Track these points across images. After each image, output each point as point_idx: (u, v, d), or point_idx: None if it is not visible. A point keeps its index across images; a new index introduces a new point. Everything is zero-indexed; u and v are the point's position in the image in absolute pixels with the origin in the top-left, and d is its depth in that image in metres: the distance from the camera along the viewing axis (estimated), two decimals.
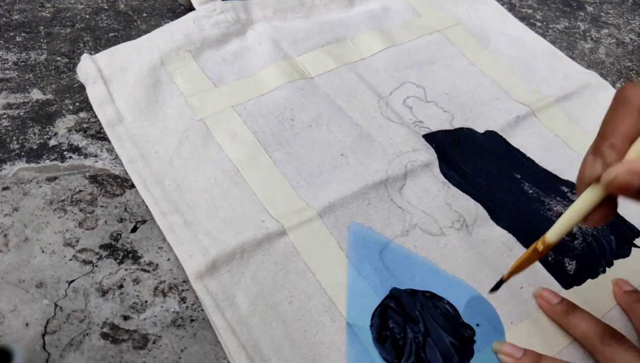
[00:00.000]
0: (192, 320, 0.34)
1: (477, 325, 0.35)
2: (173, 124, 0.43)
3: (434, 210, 0.40)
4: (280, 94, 0.46)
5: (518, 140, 0.46)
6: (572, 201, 0.41)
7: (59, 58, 0.49)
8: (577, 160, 0.45)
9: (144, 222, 0.38)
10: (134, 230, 0.38)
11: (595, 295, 0.37)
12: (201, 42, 0.48)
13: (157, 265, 0.36)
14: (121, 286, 0.35)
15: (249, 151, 0.42)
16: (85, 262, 0.36)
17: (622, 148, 0.25)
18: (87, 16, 0.53)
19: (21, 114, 0.44)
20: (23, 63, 0.48)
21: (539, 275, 0.38)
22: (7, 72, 0.47)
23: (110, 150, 0.42)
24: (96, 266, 0.36)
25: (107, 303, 0.34)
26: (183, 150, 0.41)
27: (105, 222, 0.38)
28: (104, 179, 0.40)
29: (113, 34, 0.52)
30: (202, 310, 0.35)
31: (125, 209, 0.39)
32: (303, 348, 0.33)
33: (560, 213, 0.41)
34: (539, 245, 0.30)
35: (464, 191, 0.42)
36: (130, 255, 0.37)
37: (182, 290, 0.35)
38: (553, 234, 0.30)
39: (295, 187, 0.40)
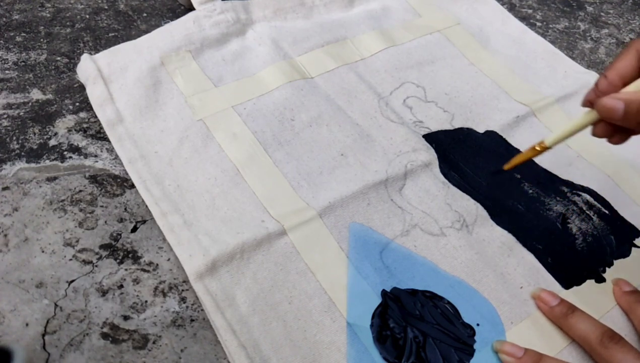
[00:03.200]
0: (192, 320, 0.34)
1: (477, 325, 0.35)
2: (173, 124, 0.43)
3: (434, 210, 0.40)
4: (280, 94, 0.46)
5: (518, 140, 0.46)
6: (573, 201, 0.42)
7: (59, 58, 0.49)
8: (577, 160, 0.45)
9: (144, 222, 0.38)
10: (134, 230, 0.38)
11: (595, 296, 0.37)
12: (201, 42, 0.48)
13: (157, 265, 0.36)
14: (121, 286, 0.35)
15: (249, 151, 0.42)
16: (85, 262, 0.36)
17: (612, 79, 0.32)
18: (87, 16, 0.53)
19: (21, 114, 0.44)
20: (23, 63, 0.48)
21: (539, 275, 0.38)
22: (7, 72, 0.47)
23: (110, 150, 0.42)
24: (96, 266, 0.36)
25: (107, 303, 0.34)
26: (183, 150, 0.41)
27: (105, 222, 0.38)
28: (104, 178, 0.40)
29: (113, 34, 0.52)
30: (202, 310, 0.35)
31: (125, 209, 0.39)
32: (303, 348, 0.33)
33: (561, 213, 0.41)
34: (538, 146, 0.34)
35: (464, 191, 0.42)
36: (130, 255, 0.37)
37: (182, 290, 0.35)
38: (551, 140, 0.34)
39: (295, 187, 0.40)
